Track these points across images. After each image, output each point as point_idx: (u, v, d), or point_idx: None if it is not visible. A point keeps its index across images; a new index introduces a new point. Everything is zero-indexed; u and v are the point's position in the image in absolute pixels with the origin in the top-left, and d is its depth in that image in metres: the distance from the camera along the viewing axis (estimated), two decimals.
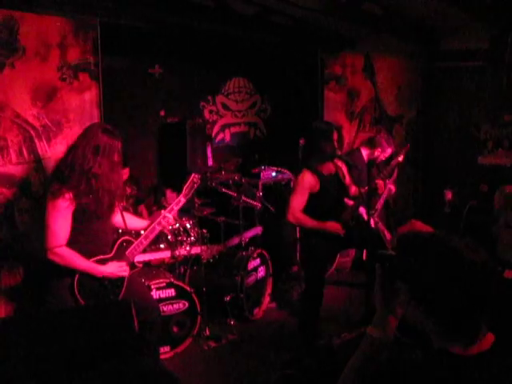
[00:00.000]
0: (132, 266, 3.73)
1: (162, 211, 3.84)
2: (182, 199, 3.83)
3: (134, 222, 3.99)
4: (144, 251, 4.73)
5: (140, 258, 4.59)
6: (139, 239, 3.74)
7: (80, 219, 3.41)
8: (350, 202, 4.67)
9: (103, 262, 3.56)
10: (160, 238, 4.88)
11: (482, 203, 6.34)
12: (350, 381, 1.71)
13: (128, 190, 5.20)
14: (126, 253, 3.68)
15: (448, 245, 1.53)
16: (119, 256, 3.64)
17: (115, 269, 3.57)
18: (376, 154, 5.93)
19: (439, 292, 1.49)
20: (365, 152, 6.02)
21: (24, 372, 2.25)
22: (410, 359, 1.60)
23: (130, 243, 3.73)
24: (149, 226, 3.81)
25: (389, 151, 5.93)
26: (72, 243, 3.41)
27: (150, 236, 3.76)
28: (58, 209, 3.32)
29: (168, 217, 3.80)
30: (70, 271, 3.42)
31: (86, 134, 3.51)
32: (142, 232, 3.87)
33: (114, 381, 1.23)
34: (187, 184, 3.86)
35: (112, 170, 3.48)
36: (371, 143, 6.03)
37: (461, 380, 1.45)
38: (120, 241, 3.70)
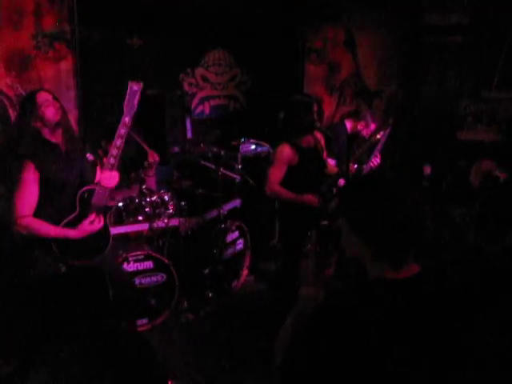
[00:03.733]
0: (106, 209, 3.57)
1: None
2: (126, 119, 3.41)
3: None
4: (121, 223, 4.72)
5: (117, 230, 4.59)
6: (100, 182, 3.50)
7: (44, 188, 3.33)
8: (332, 164, 4.66)
9: (72, 223, 3.43)
10: (138, 210, 4.86)
11: (460, 178, 6.39)
12: (287, 335, 1.94)
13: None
14: (92, 202, 3.49)
15: (383, 181, 1.77)
16: (86, 209, 3.48)
17: (85, 227, 3.45)
18: (359, 127, 5.93)
19: (374, 222, 1.68)
20: (349, 125, 6.02)
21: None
22: (344, 289, 1.78)
23: (91, 192, 3.50)
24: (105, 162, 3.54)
25: (372, 127, 5.94)
26: (38, 212, 3.32)
27: (106, 172, 3.47)
28: (20, 180, 3.24)
29: (118, 143, 3.44)
30: (46, 240, 3.35)
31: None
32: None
33: (84, 339, 1.23)
34: (126, 97, 3.45)
35: (54, 123, 3.34)
36: (356, 116, 6.02)
37: (392, 301, 1.63)
38: (79, 194, 3.46)
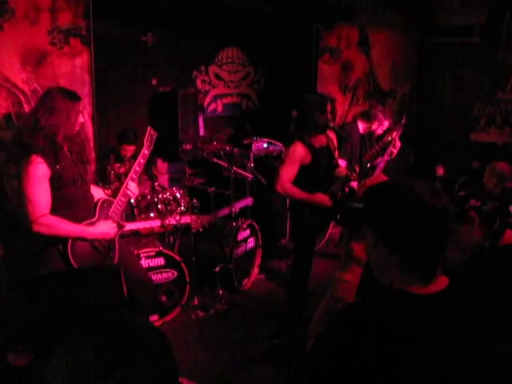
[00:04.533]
0: (119, 225, 3.68)
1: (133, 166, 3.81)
2: (146, 152, 3.81)
3: (99, 192, 3.89)
4: (134, 219, 4.74)
5: (129, 226, 4.60)
6: (118, 197, 3.68)
7: (57, 185, 3.33)
8: (343, 166, 4.65)
9: (90, 225, 3.51)
10: (150, 206, 4.87)
11: (473, 179, 6.35)
12: (320, 321, 1.90)
13: (127, 166, 5.16)
14: (109, 213, 3.62)
15: (411, 189, 1.66)
16: (103, 217, 3.59)
17: (104, 228, 3.51)
18: (373, 127, 5.88)
19: (402, 233, 1.61)
20: (361, 125, 5.97)
21: (16, 335, 2.26)
22: (373, 299, 1.70)
23: (110, 203, 3.66)
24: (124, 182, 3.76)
25: (386, 124, 5.89)
26: (54, 211, 3.33)
27: (126, 192, 3.71)
28: (32, 176, 3.22)
29: (137, 170, 3.77)
30: (62, 239, 3.36)
31: (43, 97, 3.45)
32: None
33: (101, 333, 1.23)
34: (146, 137, 3.85)
35: (74, 131, 3.42)
36: (367, 116, 5.98)
37: (419, 316, 1.57)
38: (100, 203, 3.62)
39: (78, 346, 1.17)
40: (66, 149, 3.39)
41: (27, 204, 3.25)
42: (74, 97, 3.44)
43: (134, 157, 5.19)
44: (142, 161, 3.80)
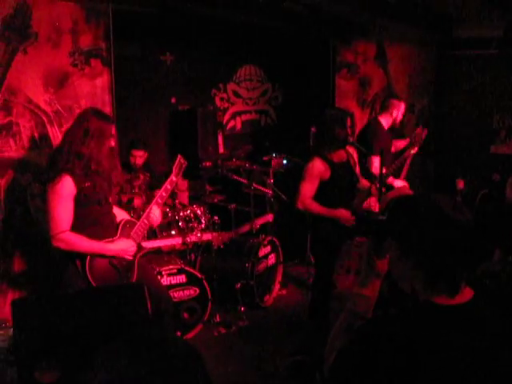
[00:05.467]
0: (138, 247, 3.73)
1: (157, 191, 3.88)
2: (174, 178, 3.84)
3: (123, 214, 3.98)
4: (155, 237, 4.78)
5: (151, 244, 4.64)
6: (141, 219, 3.75)
7: (81, 204, 3.41)
8: (366, 183, 4.64)
9: (110, 242, 3.56)
10: (171, 224, 4.91)
11: (494, 192, 6.31)
12: (339, 337, 1.88)
13: (141, 177, 5.22)
14: (131, 233, 3.67)
15: (433, 203, 1.68)
16: (125, 237, 3.64)
17: (123, 246, 3.56)
18: (394, 115, 5.74)
19: (427, 246, 1.62)
20: (384, 120, 5.78)
21: (43, 351, 2.29)
22: (395, 313, 1.71)
23: (133, 224, 3.73)
24: (148, 206, 3.83)
25: (402, 106, 5.76)
26: (76, 228, 3.40)
27: (150, 216, 3.77)
28: (58, 194, 3.31)
29: (163, 196, 3.83)
30: (81, 255, 3.42)
31: (79, 118, 3.54)
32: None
33: (133, 350, 1.25)
34: (175, 165, 3.87)
35: (105, 154, 3.48)
36: (384, 108, 5.83)
37: (444, 327, 1.58)
38: (123, 223, 3.69)
39: (116, 360, 1.18)
40: (93, 168, 3.44)
41: (49, 220, 3.35)
42: (107, 119, 3.54)
43: (146, 165, 5.26)
44: (168, 187, 3.84)
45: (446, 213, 1.64)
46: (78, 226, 3.41)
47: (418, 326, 1.58)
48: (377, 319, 1.80)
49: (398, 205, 1.78)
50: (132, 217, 4.04)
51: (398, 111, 5.72)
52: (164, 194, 3.83)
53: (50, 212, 3.35)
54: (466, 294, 1.66)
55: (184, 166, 3.91)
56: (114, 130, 3.56)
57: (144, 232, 3.80)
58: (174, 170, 3.86)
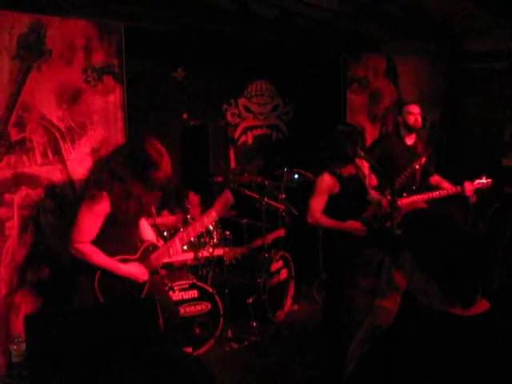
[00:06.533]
0: (154, 272, 3.74)
1: (193, 222, 3.86)
2: (214, 214, 3.78)
3: (150, 233, 4.00)
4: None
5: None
6: (166, 245, 3.76)
7: (109, 222, 3.45)
8: (376, 195, 4.64)
9: (126, 261, 3.58)
10: None
11: (506, 205, 6.27)
12: (359, 347, 1.94)
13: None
14: (151, 257, 3.69)
15: (448, 217, 1.73)
16: (143, 259, 3.66)
17: (135, 269, 3.57)
18: (411, 122, 5.54)
19: (442, 260, 1.65)
20: (405, 133, 5.59)
21: (55, 366, 2.30)
22: (412, 323, 1.73)
23: (155, 248, 3.75)
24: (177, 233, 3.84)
25: (416, 108, 5.60)
26: (97, 242, 3.44)
27: (175, 244, 3.74)
28: (93, 211, 3.38)
29: (197, 229, 3.83)
30: (92, 269, 3.44)
31: (131, 143, 3.58)
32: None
33: (146, 371, 1.25)
34: (220, 199, 3.80)
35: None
36: (401, 117, 5.61)
37: (460, 337, 1.60)
38: (146, 245, 3.72)
39: (128, 375, 1.19)
40: (133, 193, 3.47)
41: (74, 226, 3.41)
42: (160, 154, 3.52)
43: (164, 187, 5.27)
44: (206, 222, 3.81)
45: (459, 226, 1.67)
46: (99, 241, 3.45)
47: (434, 336, 1.61)
48: (395, 330, 1.83)
49: (413, 219, 1.82)
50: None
51: (414, 115, 5.53)
52: (199, 228, 3.83)
53: (78, 221, 3.41)
54: (482, 306, 1.68)
55: (229, 204, 3.81)
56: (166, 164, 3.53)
57: (164, 258, 3.78)
58: (217, 204, 3.78)
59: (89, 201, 3.38)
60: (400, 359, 1.57)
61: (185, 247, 4.90)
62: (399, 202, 4.69)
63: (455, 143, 8.12)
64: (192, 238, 3.91)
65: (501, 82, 7.60)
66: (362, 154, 4.46)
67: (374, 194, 4.70)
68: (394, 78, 7.42)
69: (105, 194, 3.36)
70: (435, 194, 5.32)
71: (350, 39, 6.68)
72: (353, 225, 4.40)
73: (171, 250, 3.72)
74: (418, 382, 1.54)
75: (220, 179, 5.57)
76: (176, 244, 3.73)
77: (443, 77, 8.02)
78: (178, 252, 3.77)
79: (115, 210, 3.41)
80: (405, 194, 5.20)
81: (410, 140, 5.62)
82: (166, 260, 3.89)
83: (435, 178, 5.65)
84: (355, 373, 1.76)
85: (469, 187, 5.34)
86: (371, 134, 7.22)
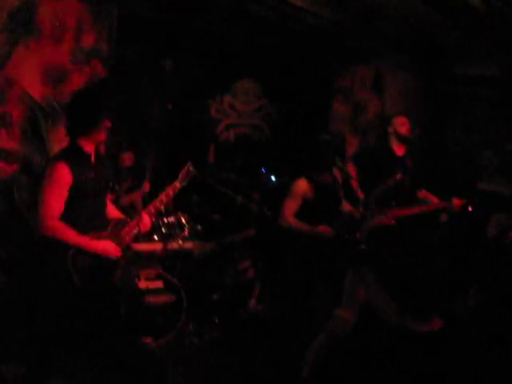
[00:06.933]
0: (126, 248, 3.71)
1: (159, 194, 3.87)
2: (177, 185, 3.85)
3: (116, 211, 3.98)
4: (137, 240, 4.78)
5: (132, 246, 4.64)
6: (135, 220, 3.74)
7: (75, 196, 3.42)
8: (349, 207, 4.70)
9: (98, 238, 3.54)
10: (153, 229, 4.91)
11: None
12: (316, 353, 2.00)
13: (129, 180, 5.26)
14: (122, 232, 3.67)
15: (412, 237, 1.84)
16: (115, 235, 3.63)
17: (108, 246, 3.55)
18: (400, 130, 5.48)
19: (402, 276, 1.72)
20: (395, 143, 5.52)
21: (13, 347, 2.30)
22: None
23: (125, 223, 3.72)
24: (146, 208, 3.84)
25: (402, 119, 5.53)
26: (67, 220, 3.41)
27: (144, 218, 3.75)
28: (55, 183, 3.34)
29: (163, 201, 3.83)
30: (65, 246, 3.40)
31: (70, 104, 3.56)
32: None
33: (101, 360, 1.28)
34: (183, 171, 3.88)
35: (101, 139, 3.53)
36: (390, 127, 5.51)
37: (415, 350, 1.68)
38: (115, 221, 3.70)
39: (74, 365, 1.21)
40: (93, 160, 3.50)
41: (40, 206, 3.36)
42: (99, 103, 3.53)
43: (133, 168, 5.28)
44: (170, 193, 3.84)
45: (421, 246, 1.72)
46: (69, 219, 3.41)
47: (388, 348, 1.68)
48: (351, 339, 1.90)
49: (377, 234, 1.87)
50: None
51: (401, 125, 5.46)
52: (164, 199, 3.82)
53: (42, 198, 3.36)
54: (436, 324, 1.75)
55: (191, 174, 3.92)
56: (108, 123, 3.53)
57: (135, 233, 3.75)
58: (181, 176, 3.87)
59: (49, 173, 3.36)
60: (353, 368, 1.62)
61: (155, 237, 4.92)
62: (390, 214, 4.70)
63: (431, 163, 8.21)
64: (161, 207, 3.88)
65: (484, 107, 7.70)
66: (340, 164, 4.52)
67: (346, 206, 4.76)
68: (380, 91, 7.48)
69: (63, 163, 3.34)
70: (424, 208, 5.37)
71: (340, 48, 6.73)
72: (323, 229, 4.46)
73: (140, 224, 3.72)
74: None
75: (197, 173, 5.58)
76: (144, 217, 3.74)
77: (428, 96, 8.11)
78: (147, 225, 3.78)
79: (77, 179, 3.38)
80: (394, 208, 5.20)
81: (400, 151, 5.55)
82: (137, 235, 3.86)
83: (423, 193, 5.70)
84: (309, 377, 1.80)
85: (456, 203, 5.38)
86: (352, 145, 7.28)
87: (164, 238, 4.89)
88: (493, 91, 7.53)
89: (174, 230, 4.95)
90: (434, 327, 1.74)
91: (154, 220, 4.18)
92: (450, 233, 6.11)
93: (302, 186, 4.50)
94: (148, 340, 4.62)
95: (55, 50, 4.38)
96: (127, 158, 5.26)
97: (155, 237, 4.90)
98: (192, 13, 5.24)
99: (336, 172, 4.67)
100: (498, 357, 1.76)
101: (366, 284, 1.85)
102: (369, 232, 4.35)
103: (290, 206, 4.52)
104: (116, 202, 4.95)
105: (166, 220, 4.95)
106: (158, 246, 4.91)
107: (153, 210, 3.83)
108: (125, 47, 5.17)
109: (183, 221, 5.01)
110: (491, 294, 2.93)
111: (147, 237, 4.87)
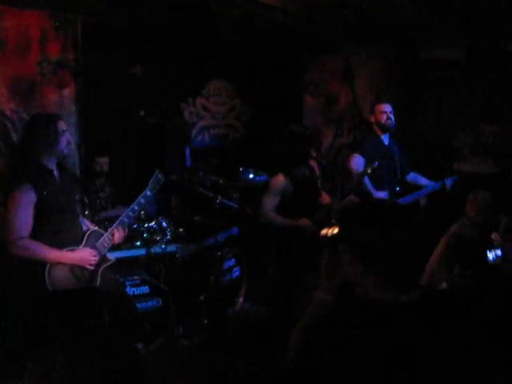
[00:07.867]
0: (103, 258, 3.73)
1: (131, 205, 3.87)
2: (149, 193, 3.84)
3: (88, 224, 3.98)
4: (119, 248, 4.77)
5: (115, 254, 4.62)
6: (109, 231, 3.75)
7: (43, 212, 3.40)
8: (327, 199, 4.72)
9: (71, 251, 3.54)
10: (136, 235, 4.90)
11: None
12: (298, 336, 2.05)
13: (107, 190, 5.23)
14: (96, 244, 3.67)
15: (381, 209, 1.82)
16: (90, 247, 3.64)
17: (83, 255, 3.55)
18: (383, 119, 5.45)
19: (377, 249, 1.73)
20: (379, 131, 5.48)
21: None
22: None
23: (99, 235, 3.72)
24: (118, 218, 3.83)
25: (386, 106, 5.56)
26: (37, 237, 3.39)
27: (119, 228, 3.76)
28: (18, 201, 3.33)
29: (136, 209, 3.83)
30: (40, 263, 3.40)
31: (26, 124, 3.57)
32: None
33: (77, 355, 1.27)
34: (152, 179, 3.88)
35: (62, 153, 3.50)
36: (374, 115, 5.50)
37: (393, 322, 1.69)
38: (89, 232, 3.69)
39: (50, 365, 1.21)
40: (56, 175, 3.47)
41: (8, 226, 3.35)
42: (51, 118, 3.51)
43: (108, 173, 5.25)
44: (142, 201, 3.83)
45: (392, 216, 1.74)
46: (39, 235, 3.40)
47: (369, 322, 1.69)
48: (331, 320, 1.89)
49: (345, 212, 1.89)
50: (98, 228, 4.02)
51: (383, 111, 5.52)
52: (136, 208, 3.82)
53: (9, 218, 3.35)
54: (414, 295, 1.76)
55: (161, 181, 3.91)
56: (63, 125, 3.50)
57: (110, 243, 3.78)
58: (150, 184, 3.86)
59: (12, 196, 3.34)
60: (336, 347, 1.63)
61: (137, 243, 4.91)
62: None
63: (407, 146, 8.27)
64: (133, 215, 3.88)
65: (454, 89, 7.78)
66: (314, 154, 4.54)
67: (324, 197, 4.78)
68: (351, 81, 7.52)
69: (25, 184, 3.32)
70: (423, 192, 5.55)
71: (308, 42, 6.76)
72: (304, 222, 4.47)
73: (116, 235, 3.73)
74: (355, 369, 1.60)
75: (175, 177, 5.58)
76: (119, 228, 3.75)
77: (398, 82, 8.17)
78: (121, 235, 3.79)
79: (40, 196, 3.36)
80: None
81: (385, 139, 5.51)
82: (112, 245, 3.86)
83: (411, 175, 5.75)
84: (295, 360, 1.82)
85: (449, 183, 5.56)
86: (327, 137, 7.33)
87: (146, 243, 4.88)
88: (460, 74, 7.61)
89: (156, 235, 4.93)
90: (411, 298, 1.76)
91: (133, 227, 4.16)
92: (429, 215, 6.17)
93: (279, 181, 4.51)
94: (138, 346, 4.61)
95: (21, 62, 4.36)
96: (103, 163, 5.23)
97: (138, 243, 4.89)
98: (156, 17, 5.23)
99: (313, 163, 4.68)
100: (477, 327, 1.78)
101: (341, 262, 1.86)
102: (339, 210, 4.35)
103: (269, 202, 4.53)
104: (94, 214, 4.93)
105: (147, 225, 4.94)
106: (141, 252, 4.90)
107: (131, 214, 3.82)
108: (92, 56, 5.14)
109: (164, 225, 5.00)
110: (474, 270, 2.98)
111: (129, 243, 4.86)
